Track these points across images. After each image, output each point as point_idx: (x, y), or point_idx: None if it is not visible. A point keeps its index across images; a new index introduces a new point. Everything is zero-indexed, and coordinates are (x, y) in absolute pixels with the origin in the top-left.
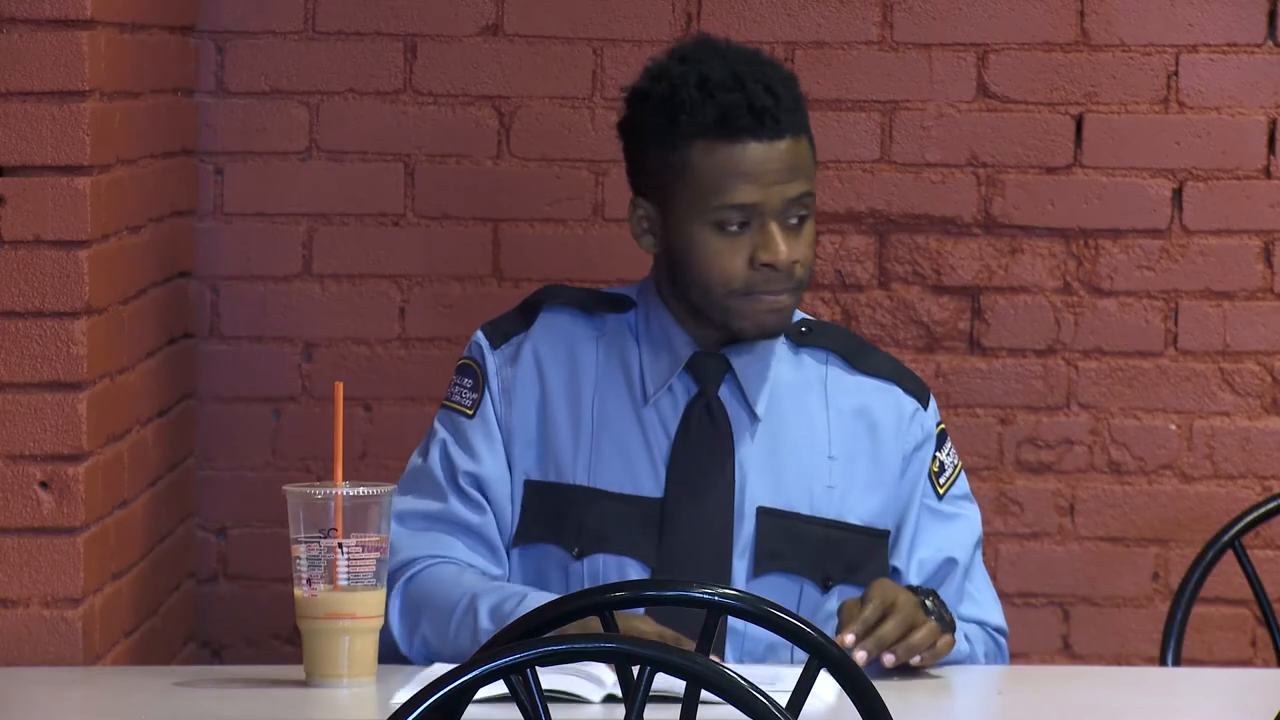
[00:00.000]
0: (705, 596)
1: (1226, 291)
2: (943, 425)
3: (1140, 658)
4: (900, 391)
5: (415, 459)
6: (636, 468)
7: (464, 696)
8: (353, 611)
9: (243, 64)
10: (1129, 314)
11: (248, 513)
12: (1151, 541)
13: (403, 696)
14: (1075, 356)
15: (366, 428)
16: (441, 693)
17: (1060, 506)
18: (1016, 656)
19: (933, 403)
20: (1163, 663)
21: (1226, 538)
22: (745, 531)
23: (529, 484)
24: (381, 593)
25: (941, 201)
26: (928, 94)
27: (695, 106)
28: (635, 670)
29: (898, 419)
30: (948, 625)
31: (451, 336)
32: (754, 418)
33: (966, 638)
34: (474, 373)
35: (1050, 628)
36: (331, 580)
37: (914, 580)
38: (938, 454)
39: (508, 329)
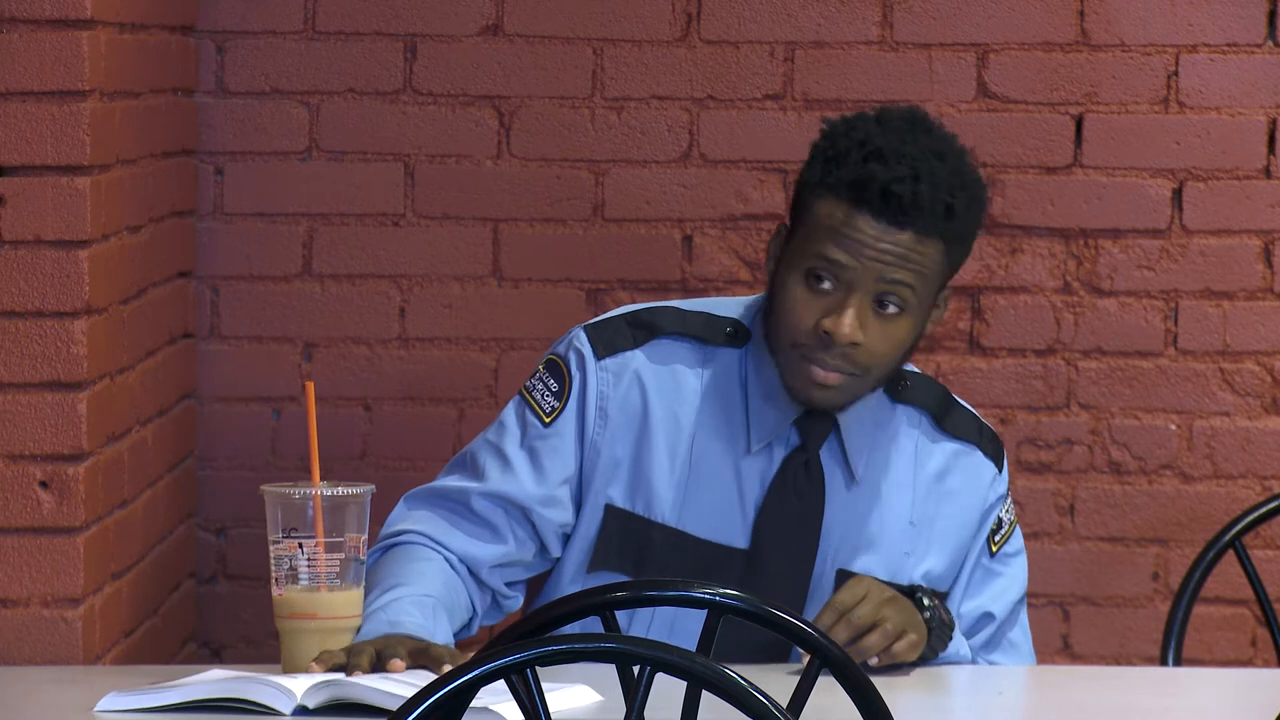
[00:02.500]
0: (705, 596)
1: (1226, 291)
2: (1008, 486)
3: (1140, 658)
4: (981, 456)
5: (478, 445)
6: (727, 516)
7: (464, 696)
8: (314, 612)
9: (243, 64)
10: (1129, 314)
11: (248, 513)
12: (1151, 541)
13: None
14: (1075, 356)
15: (366, 428)
16: (441, 693)
17: (1060, 506)
18: None
19: (1005, 462)
20: (1163, 663)
21: (1227, 538)
22: (822, 592)
23: (611, 509)
24: (350, 593)
25: None
26: (928, 94)
27: (843, 163)
28: (635, 670)
29: (976, 484)
30: (945, 624)
31: (451, 336)
32: (851, 480)
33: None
34: (564, 377)
35: (1050, 628)
36: (295, 580)
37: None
38: (999, 513)
39: (616, 341)
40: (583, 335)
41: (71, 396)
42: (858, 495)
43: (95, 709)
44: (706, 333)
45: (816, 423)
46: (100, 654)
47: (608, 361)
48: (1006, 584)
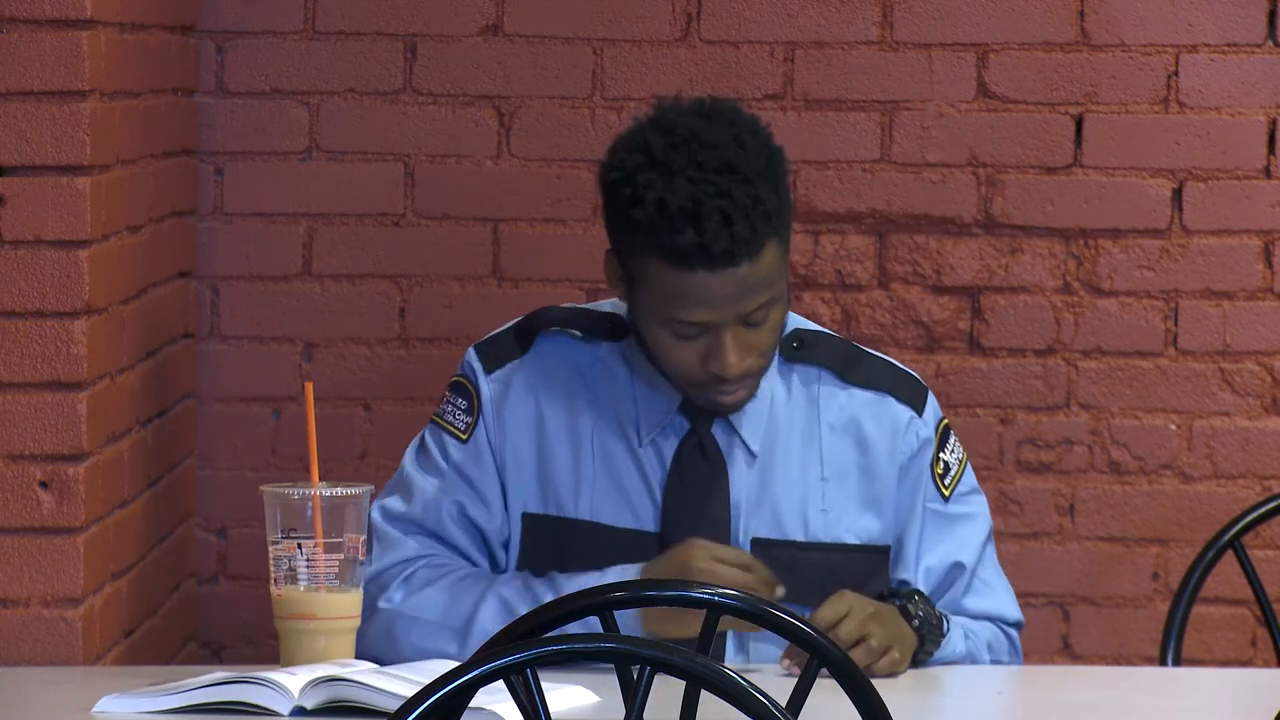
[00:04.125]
0: (705, 596)
1: (1226, 291)
2: (945, 421)
3: (1140, 658)
4: (894, 401)
5: (407, 467)
6: (634, 501)
7: (464, 696)
8: (313, 612)
9: (243, 64)
10: (1129, 314)
11: (248, 513)
12: (1151, 541)
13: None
14: (1075, 356)
15: (366, 428)
16: (442, 693)
17: (1060, 506)
18: None
19: (931, 404)
20: (1163, 663)
21: (1226, 538)
22: None
23: (527, 517)
24: (349, 595)
25: (941, 201)
26: (928, 94)
27: (651, 229)
28: (635, 670)
29: (891, 431)
30: (935, 626)
31: (451, 336)
32: (749, 453)
33: (966, 634)
34: (468, 393)
35: (1050, 628)
36: (294, 580)
37: (921, 587)
38: (940, 454)
39: (502, 353)
40: (473, 354)
41: (71, 396)
42: (760, 465)
43: (93, 710)
44: (585, 327)
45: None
46: (100, 654)
47: (497, 374)
48: (970, 526)
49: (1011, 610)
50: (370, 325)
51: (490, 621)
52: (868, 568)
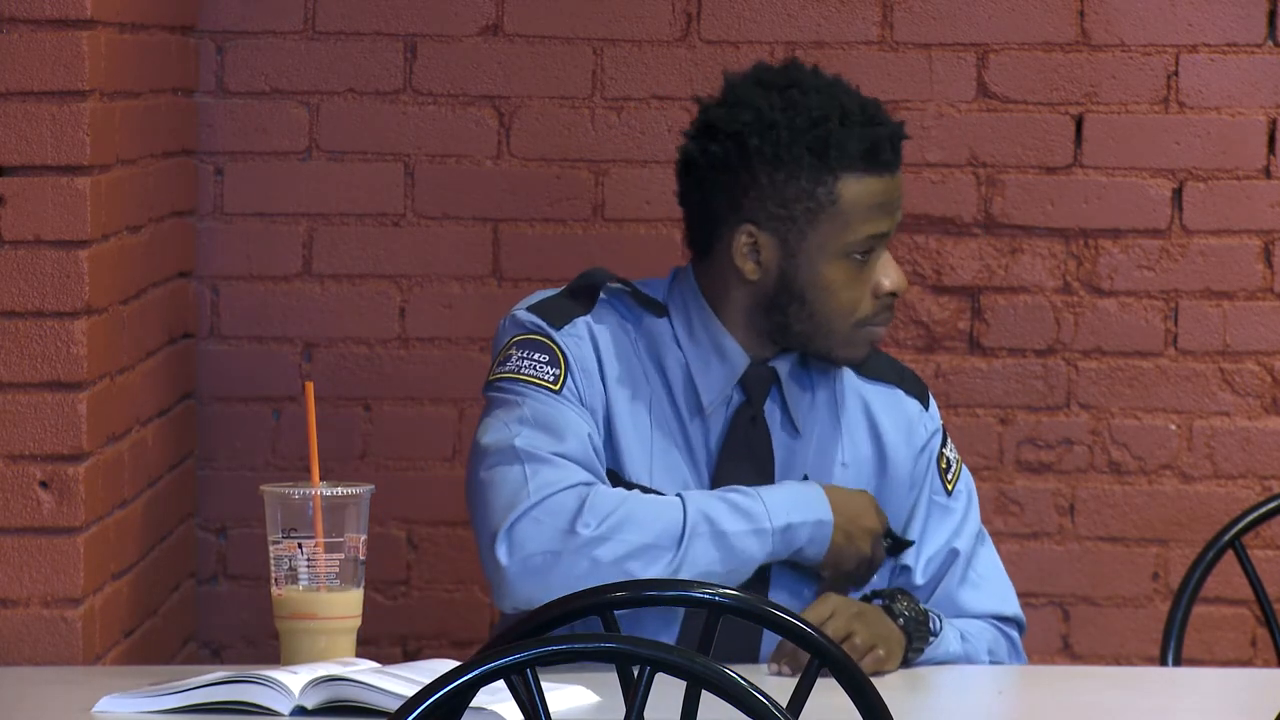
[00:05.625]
0: (705, 596)
1: (1226, 291)
2: (941, 422)
3: (1140, 658)
4: (903, 394)
5: (495, 437)
6: (683, 474)
7: (464, 696)
8: (314, 612)
9: (243, 64)
10: (1129, 314)
11: (248, 513)
12: (1151, 541)
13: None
14: (1075, 356)
15: (366, 428)
16: (441, 693)
17: (1060, 506)
18: None
19: (932, 401)
20: (1163, 663)
21: (1226, 538)
22: None
23: (609, 473)
24: (350, 594)
25: (941, 201)
26: (928, 94)
27: (844, 139)
28: (635, 670)
29: (905, 422)
30: (922, 623)
31: (451, 336)
32: (794, 431)
33: (963, 636)
34: (546, 347)
35: (1050, 628)
36: (295, 580)
37: (920, 577)
38: (944, 450)
39: (565, 311)
40: (529, 314)
41: (71, 396)
42: (799, 445)
43: (93, 710)
44: (637, 297)
45: (759, 380)
46: (100, 654)
47: (567, 329)
48: (963, 518)
49: (1010, 606)
50: (370, 325)
51: (700, 535)
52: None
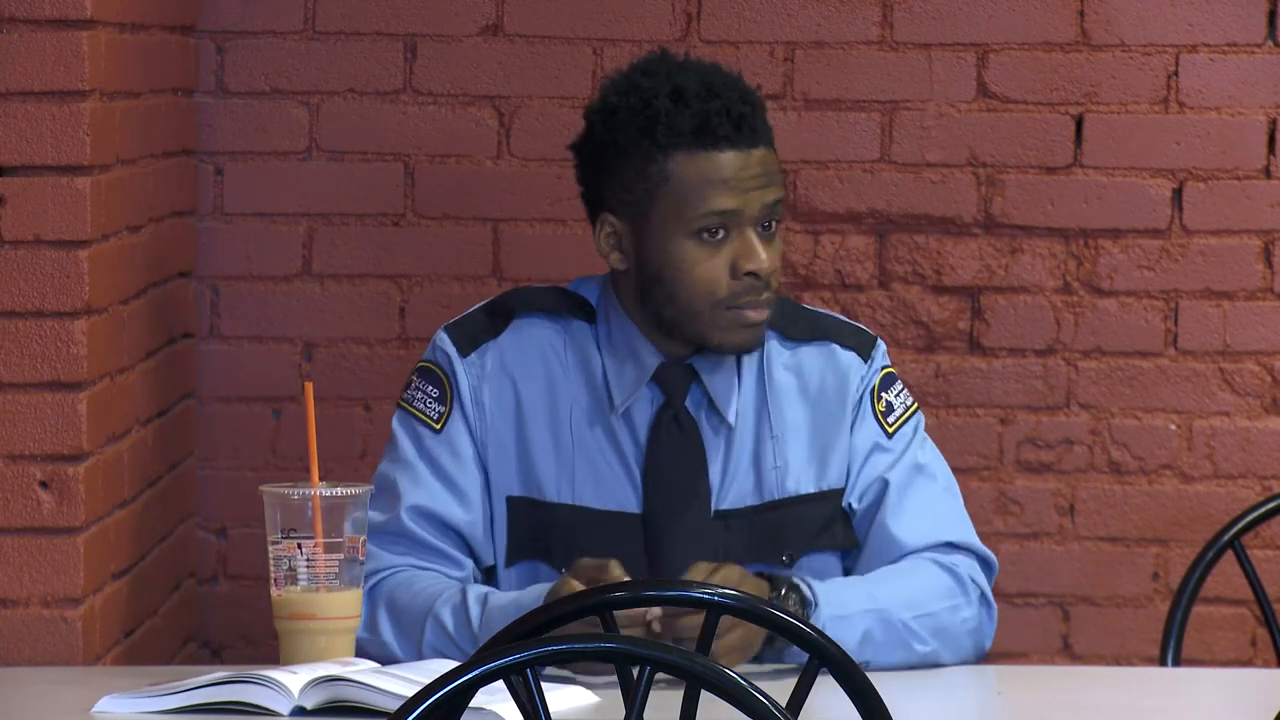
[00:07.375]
0: (705, 596)
1: (1226, 291)
2: (889, 369)
3: (1140, 658)
4: (836, 348)
5: (381, 467)
6: (613, 482)
7: (463, 697)
8: (313, 612)
9: (243, 64)
10: (1129, 314)
11: (248, 513)
12: (1151, 541)
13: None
14: (1075, 356)
15: (366, 428)
16: (441, 693)
17: (1060, 506)
18: (1016, 656)
19: (879, 349)
20: (1163, 663)
21: (1226, 538)
22: (719, 537)
23: (511, 500)
24: (350, 594)
25: (941, 201)
26: (928, 94)
27: (672, 117)
28: (635, 670)
29: (836, 375)
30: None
31: None
32: (726, 426)
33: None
34: (440, 381)
35: (1050, 628)
36: (295, 581)
37: (857, 520)
38: (884, 394)
39: (477, 335)
40: (445, 336)
41: (71, 396)
42: (734, 435)
43: (93, 710)
44: (560, 306)
45: (675, 375)
46: (100, 654)
47: (473, 357)
48: (899, 456)
49: (955, 533)
50: (370, 325)
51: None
52: (825, 513)
